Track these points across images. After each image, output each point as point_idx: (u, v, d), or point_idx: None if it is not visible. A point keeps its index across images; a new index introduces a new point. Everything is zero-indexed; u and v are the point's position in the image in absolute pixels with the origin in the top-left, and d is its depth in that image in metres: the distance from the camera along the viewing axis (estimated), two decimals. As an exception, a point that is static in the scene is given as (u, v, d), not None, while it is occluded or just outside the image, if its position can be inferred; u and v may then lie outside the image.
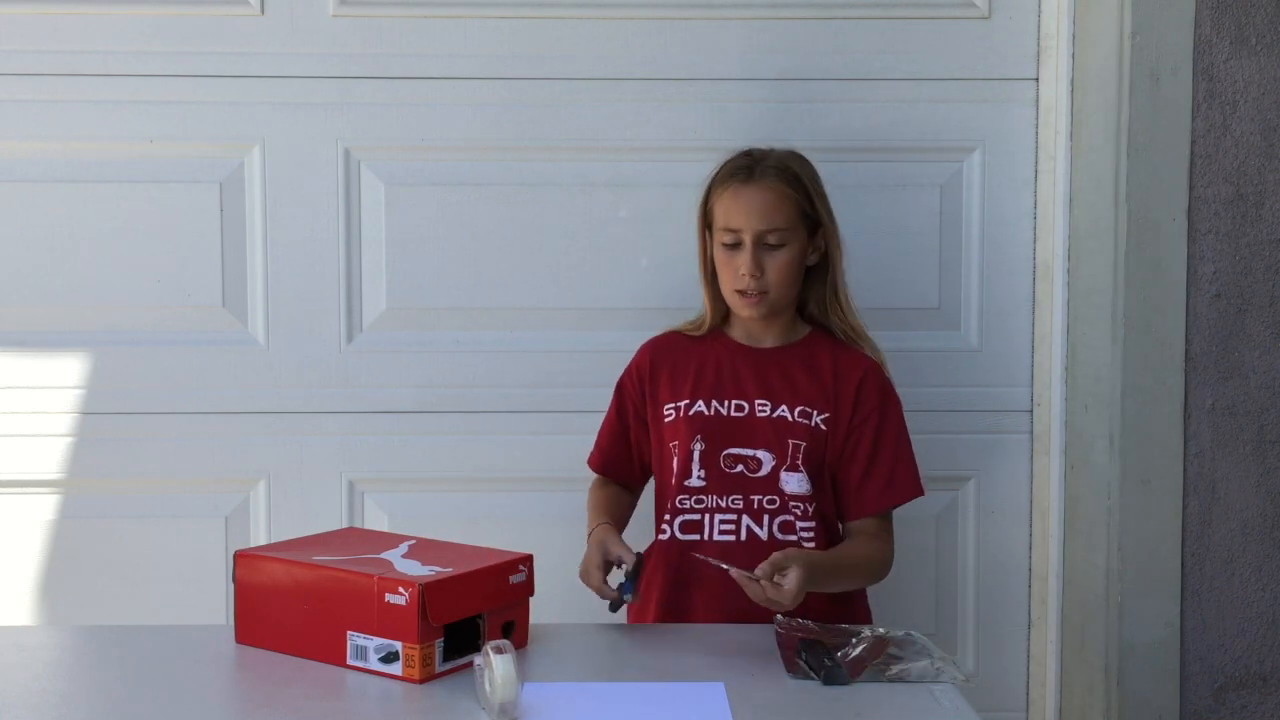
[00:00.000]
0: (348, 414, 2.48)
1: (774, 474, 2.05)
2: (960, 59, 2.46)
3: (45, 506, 2.47)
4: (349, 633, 1.71)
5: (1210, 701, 2.30)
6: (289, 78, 2.44)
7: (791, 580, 1.80)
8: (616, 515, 2.14)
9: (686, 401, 2.10)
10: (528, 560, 1.84)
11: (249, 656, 1.79)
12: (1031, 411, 2.50)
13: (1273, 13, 2.23)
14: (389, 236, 2.47)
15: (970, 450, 2.52)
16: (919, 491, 2.10)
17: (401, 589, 1.67)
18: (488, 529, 2.42)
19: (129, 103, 2.43)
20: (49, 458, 2.46)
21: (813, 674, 1.69)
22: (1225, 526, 2.29)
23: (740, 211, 2.04)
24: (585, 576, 1.98)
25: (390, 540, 1.92)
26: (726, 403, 2.08)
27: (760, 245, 2.03)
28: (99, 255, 2.44)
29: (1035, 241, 2.49)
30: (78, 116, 2.42)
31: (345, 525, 2.47)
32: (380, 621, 1.69)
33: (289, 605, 1.78)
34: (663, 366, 2.14)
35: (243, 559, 1.84)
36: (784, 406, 2.06)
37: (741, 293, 2.05)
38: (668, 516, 2.08)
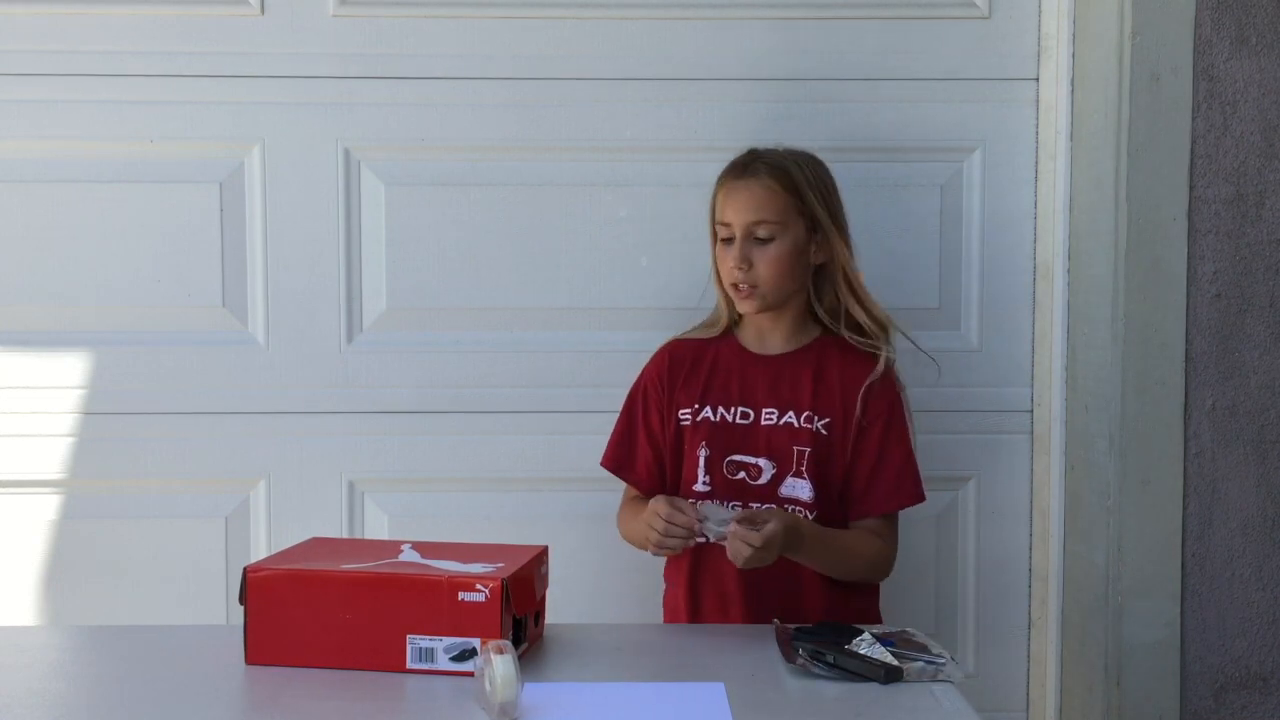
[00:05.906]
0: (348, 414, 2.48)
1: (773, 483, 2.07)
2: (960, 59, 2.46)
3: (46, 506, 2.47)
4: (409, 636, 1.69)
5: (1210, 702, 2.30)
6: (289, 78, 2.44)
7: (767, 531, 1.84)
8: None
9: (698, 406, 2.12)
10: (545, 552, 1.87)
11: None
12: (1031, 411, 2.50)
13: (1273, 13, 2.23)
14: (389, 236, 2.47)
15: (970, 450, 2.51)
16: (921, 497, 2.12)
17: (479, 586, 1.67)
18: (487, 529, 2.43)
19: (129, 103, 2.43)
20: (49, 458, 2.46)
21: (815, 666, 1.69)
22: (1225, 526, 2.29)
23: (730, 206, 2.09)
24: (670, 518, 1.90)
25: (386, 546, 1.89)
26: (733, 409, 2.10)
27: (749, 239, 2.06)
28: (99, 255, 2.44)
29: (1035, 241, 2.48)
30: (78, 116, 2.42)
31: (345, 525, 2.48)
32: (452, 621, 1.68)
33: (324, 617, 1.71)
34: (680, 370, 2.16)
35: (256, 580, 1.74)
36: (791, 413, 2.08)
37: (735, 286, 2.08)
38: None
